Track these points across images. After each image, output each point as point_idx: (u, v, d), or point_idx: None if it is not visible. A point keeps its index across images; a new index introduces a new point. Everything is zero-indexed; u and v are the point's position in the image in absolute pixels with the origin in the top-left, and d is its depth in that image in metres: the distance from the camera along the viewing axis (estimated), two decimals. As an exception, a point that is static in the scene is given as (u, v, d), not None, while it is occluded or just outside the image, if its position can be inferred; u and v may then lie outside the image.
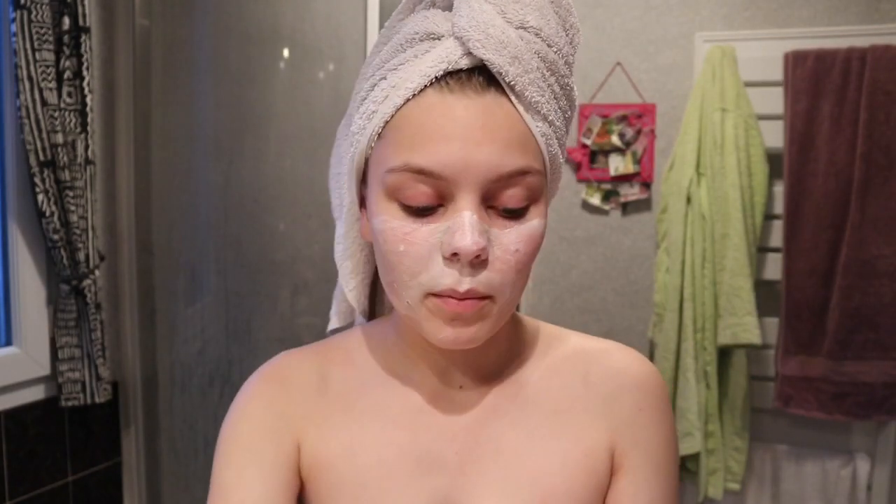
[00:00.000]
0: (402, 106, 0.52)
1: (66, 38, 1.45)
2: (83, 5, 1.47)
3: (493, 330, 0.55)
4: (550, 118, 0.53)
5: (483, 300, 0.52)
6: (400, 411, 0.61)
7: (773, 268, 1.94)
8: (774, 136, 1.88)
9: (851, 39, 1.80)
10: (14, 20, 1.37)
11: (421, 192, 0.50)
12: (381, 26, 1.46)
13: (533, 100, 0.51)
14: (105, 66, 1.69)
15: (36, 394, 1.55)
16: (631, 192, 2.06)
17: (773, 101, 1.87)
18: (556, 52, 0.53)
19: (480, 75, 0.51)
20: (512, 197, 0.51)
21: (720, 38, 1.92)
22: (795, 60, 1.82)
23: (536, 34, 0.52)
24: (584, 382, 0.61)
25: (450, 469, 0.58)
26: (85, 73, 1.49)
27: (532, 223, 0.53)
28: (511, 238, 0.52)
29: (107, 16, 1.68)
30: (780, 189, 1.90)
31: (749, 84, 1.87)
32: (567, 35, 0.55)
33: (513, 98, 0.51)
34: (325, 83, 1.66)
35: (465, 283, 0.51)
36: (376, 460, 0.59)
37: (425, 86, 0.51)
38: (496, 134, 0.50)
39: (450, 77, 0.51)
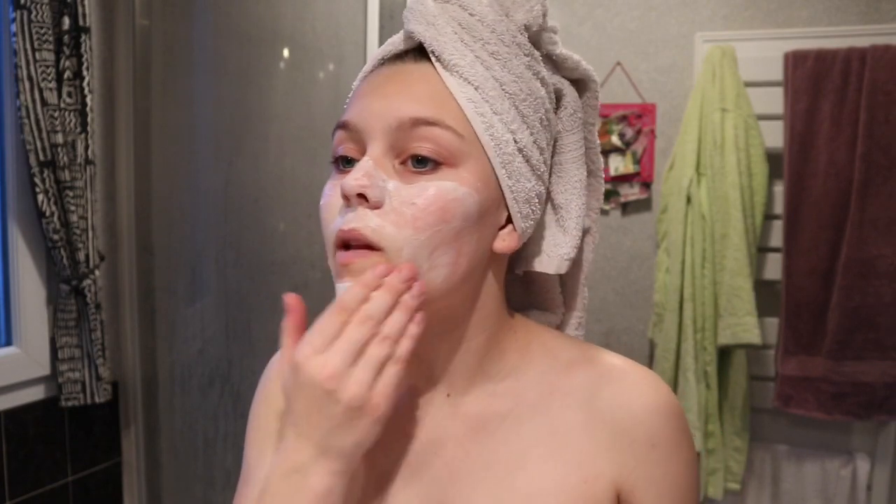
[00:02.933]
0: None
1: (66, 38, 1.45)
2: (83, 5, 1.47)
3: None
4: (478, 84, 0.53)
5: (373, 252, 0.51)
6: (393, 414, 0.61)
7: (773, 268, 1.94)
8: (774, 136, 1.88)
9: (851, 39, 1.80)
10: (14, 20, 1.36)
11: (346, 147, 0.54)
12: (381, 26, 1.47)
13: (452, 61, 0.53)
14: (105, 66, 1.69)
15: (36, 394, 1.55)
16: (631, 192, 2.06)
17: (773, 101, 1.87)
18: (477, 20, 0.54)
19: (416, 53, 0.55)
20: (418, 147, 0.51)
21: (720, 38, 1.92)
22: (795, 60, 1.82)
23: (459, 5, 0.55)
24: (589, 405, 0.57)
25: (439, 478, 0.58)
26: (85, 73, 1.49)
27: (442, 183, 0.51)
28: (411, 192, 0.51)
29: (107, 16, 1.68)
30: (780, 189, 1.90)
31: (749, 84, 1.86)
32: (503, 11, 0.55)
33: (434, 61, 0.54)
34: (325, 83, 1.66)
35: (350, 222, 0.51)
36: (369, 460, 0.59)
37: (374, 67, 0.57)
38: (407, 88, 0.53)
39: (393, 57, 0.57)
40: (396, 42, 0.57)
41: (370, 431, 0.49)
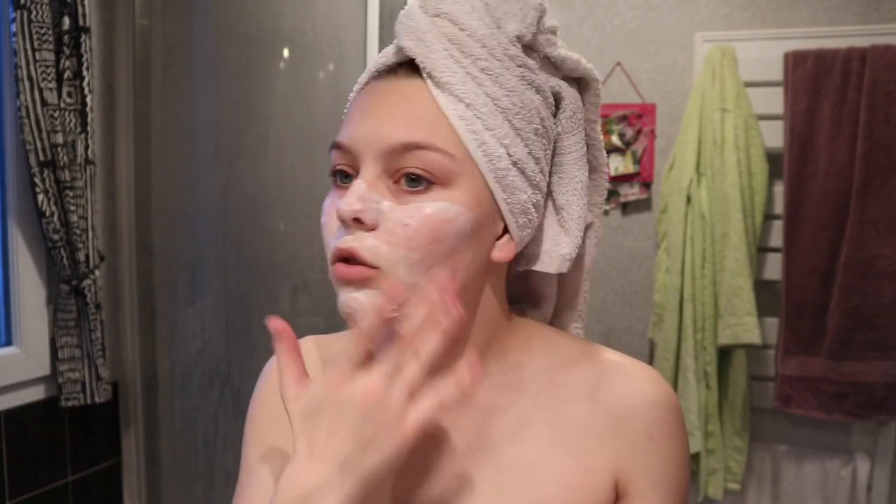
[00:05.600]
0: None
1: (66, 38, 1.45)
2: (83, 5, 1.47)
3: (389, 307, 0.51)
4: (470, 102, 0.53)
5: (371, 270, 0.52)
6: None
7: (773, 268, 1.94)
8: (774, 136, 1.88)
9: (851, 39, 1.80)
10: (14, 20, 1.36)
11: (343, 167, 0.56)
12: (381, 26, 1.47)
13: (443, 79, 0.53)
14: (105, 66, 1.69)
15: (36, 394, 1.55)
16: (631, 192, 2.06)
17: (773, 101, 1.87)
18: (467, 35, 0.54)
19: (409, 67, 0.55)
20: (410, 170, 0.52)
21: (720, 38, 1.92)
22: (795, 60, 1.82)
23: (450, 20, 0.54)
24: (590, 398, 0.58)
25: (442, 471, 0.58)
26: (85, 73, 1.49)
27: (435, 204, 0.52)
28: (403, 213, 0.52)
29: (107, 16, 1.68)
30: (780, 189, 1.90)
31: (749, 84, 1.87)
32: (494, 23, 0.55)
33: (426, 79, 0.54)
34: (325, 83, 1.66)
35: (346, 242, 0.52)
36: None
37: (369, 80, 0.57)
38: (399, 109, 0.53)
39: (386, 71, 0.56)
40: (389, 55, 0.57)
41: (395, 454, 0.48)
